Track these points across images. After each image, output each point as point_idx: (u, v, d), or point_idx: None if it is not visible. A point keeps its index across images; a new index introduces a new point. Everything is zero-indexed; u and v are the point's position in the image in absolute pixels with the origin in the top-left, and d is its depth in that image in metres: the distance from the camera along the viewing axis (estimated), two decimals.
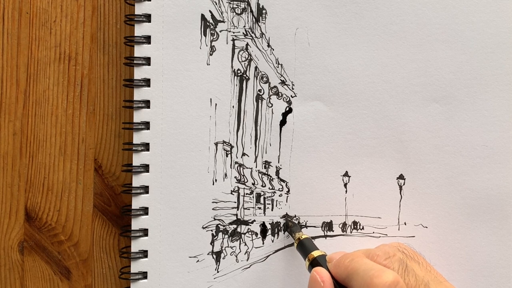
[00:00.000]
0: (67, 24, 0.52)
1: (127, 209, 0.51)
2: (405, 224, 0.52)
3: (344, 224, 0.52)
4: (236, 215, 0.52)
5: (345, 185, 0.52)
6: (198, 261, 0.51)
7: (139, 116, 0.50)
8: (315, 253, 0.46)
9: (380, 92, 0.52)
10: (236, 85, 0.51)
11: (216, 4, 0.51)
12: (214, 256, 0.51)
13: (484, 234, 0.52)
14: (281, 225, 0.52)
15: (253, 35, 0.51)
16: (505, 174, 0.52)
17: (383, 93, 0.52)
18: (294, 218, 0.52)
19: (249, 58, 0.52)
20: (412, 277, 0.41)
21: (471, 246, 0.52)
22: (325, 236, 0.52)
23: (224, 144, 0.51)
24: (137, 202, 0.50)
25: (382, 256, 0.43)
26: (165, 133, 0.51)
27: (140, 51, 0.50)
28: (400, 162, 0.52)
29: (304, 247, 0.48)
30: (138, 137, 0.50)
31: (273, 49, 0.51)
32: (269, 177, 0.52)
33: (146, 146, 0.51)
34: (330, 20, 0.52)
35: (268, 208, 0.52)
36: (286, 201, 0.52)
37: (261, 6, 0.51)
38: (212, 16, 0.51)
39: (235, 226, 0.52)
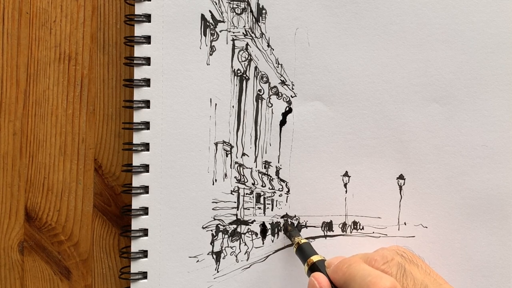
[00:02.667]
0: (67, 24, 0.52)
1: (127, 209, 0.51)
2: (405, 224, 0.52)
3: (344, 224, 0.52)
4: (236, 215, 0.52)
5: (345, 185, 0.52)
6: (198, 261, 0.51)
7: (139, 116, 0.50)
8: (314, 258, 0.46)
9: (380, 92, 0.52)
10: (236, 85, 0.51)
11: (216, 4, 0.51)
12: (214, 256, 0.51)
13: (484, 234, 0.52)
14: (281, 225, 0.52)
15: (253, 35, 0.51)
16: (505, 174, 0.52)
17: (383, 93, 0.52)
18: (294, 219, 0.52)
19: (249, 58, 0.52)
20: (410, 281, 0.41)
21: (471, 246, 0.52)
22: (325, 236, 0.52)
23: (224, 144, 0.51)
24: (137, 202, 0.50)
25: (380, 260, 0.43)
26: (165, 133, 0.51)
27: (140, 51, 0.50)
28: (400, 162, 0.52)
29: (304, 251, 0.48)
30: (138, 137, 0.50)
31: (273, 49, 0.51)
32: (269, 177, 0.52)
33: (146, 146, 0.51)
34: (330, 20, 0.51)
35: (268, 208, 0.52)
36: (286, 201, 0.52)
37: (261, 6, 0.51)
38: (212, 16, 0.51)
39: (235, 226, 0.52)
